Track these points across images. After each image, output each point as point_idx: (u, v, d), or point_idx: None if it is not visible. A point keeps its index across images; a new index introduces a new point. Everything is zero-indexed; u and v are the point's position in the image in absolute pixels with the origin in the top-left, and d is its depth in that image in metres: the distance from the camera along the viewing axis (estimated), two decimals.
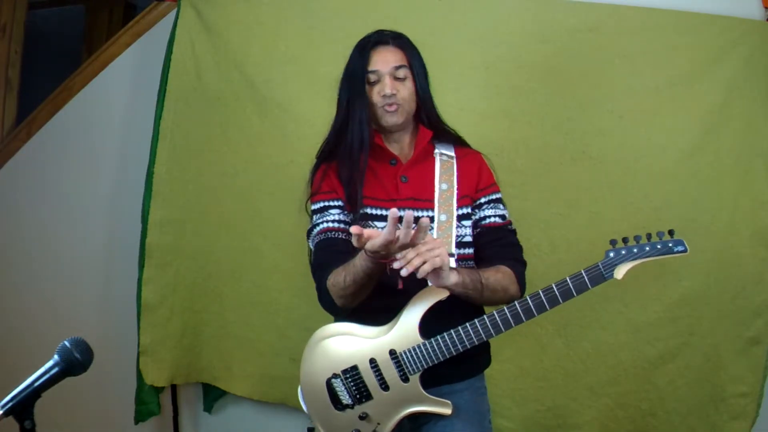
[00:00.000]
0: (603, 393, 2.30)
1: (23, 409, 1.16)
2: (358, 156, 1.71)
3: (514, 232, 1.79)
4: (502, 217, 1.77)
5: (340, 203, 1.73)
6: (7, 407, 1.15)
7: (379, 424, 1.66)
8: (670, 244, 1.53)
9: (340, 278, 1.60)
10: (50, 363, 1.20)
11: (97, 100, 2.71)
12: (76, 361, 1.20)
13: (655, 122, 2.23)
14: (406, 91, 1.72)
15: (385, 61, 1.71)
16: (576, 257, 2.28)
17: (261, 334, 2.51)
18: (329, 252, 1.70)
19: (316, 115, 2.36)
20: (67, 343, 1.21)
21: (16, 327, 2.83)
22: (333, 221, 1.73)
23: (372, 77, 1.71)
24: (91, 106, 2.72)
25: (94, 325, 2.74)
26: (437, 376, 1.66)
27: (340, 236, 1.72)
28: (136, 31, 2.66)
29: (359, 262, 1.55)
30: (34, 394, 1.18)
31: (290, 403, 2.54)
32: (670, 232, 1.54)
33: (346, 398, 1.67)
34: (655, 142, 2.23)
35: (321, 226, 1.73)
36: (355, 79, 1.72)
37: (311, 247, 1.76)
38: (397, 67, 1.71)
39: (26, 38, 2.97)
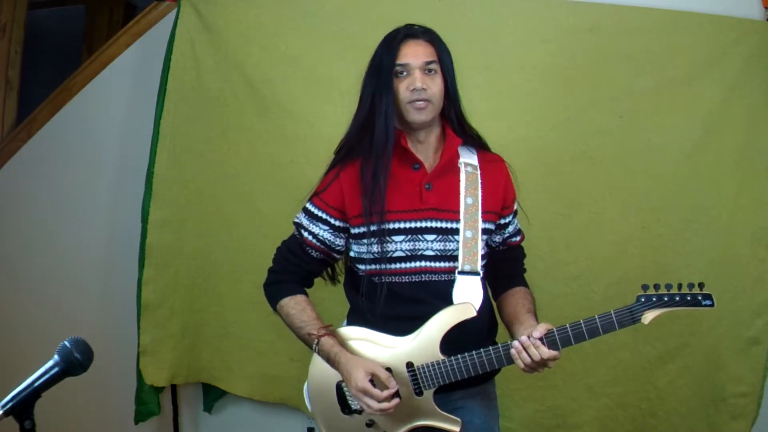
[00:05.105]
0: (603, 393, 2.30)
1: (23, 409, 1.16)
2: (383, 153, 1.62)
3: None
4: (521, 232, 1.84)
5: (334, 222, 1.69)
6: (7, 407, 1.14)
7: None
8: (699, 297, 1.54)
9: (291, 315, 1.72)
10: (50, 363, 1.20)
11: (97, 100, 2.70)
12: (76, 361, 1.20)
13: (655, 122, 2.23)
14: (435, 87, 1.62)
15: (415, 54, 1.61)
16: (576, 257, 2.29)
17: (261, 334, 2.50)
18: (298, 263, 1.74)
19: (316, 115, 2.37)
20: (67, 343, 1.21)
21: (16, 327, 2.82)
22: (315, 237, 1.71)
23: (401, 70, 1.61)
24: (91, 106, 2.71)
25: (94, 325, 2.73)
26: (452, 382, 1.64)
27: (312, 254, 1.72)
28: (136, 31, 2.65)
29: (307, 334, 1.68)
30: (34, 394, 1.17)
31: (290, 403, 2.54)
32: (700, 285, 1.55)
33: (355, 403, 1.65)
34: (655, 142, 2.23)
35: (303, 233, 1.72)
36: (382, 72, 1.62)
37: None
38: (428, 62, 1.61)
39: (26, 38, 2.95)
